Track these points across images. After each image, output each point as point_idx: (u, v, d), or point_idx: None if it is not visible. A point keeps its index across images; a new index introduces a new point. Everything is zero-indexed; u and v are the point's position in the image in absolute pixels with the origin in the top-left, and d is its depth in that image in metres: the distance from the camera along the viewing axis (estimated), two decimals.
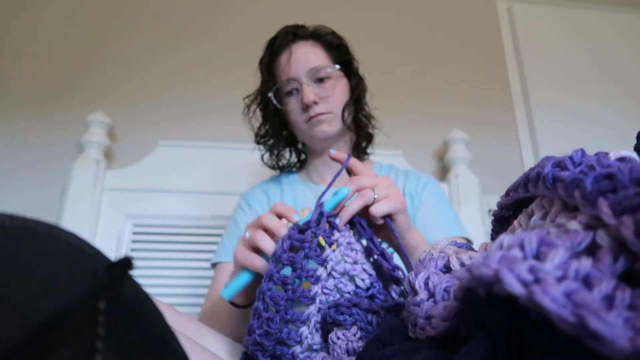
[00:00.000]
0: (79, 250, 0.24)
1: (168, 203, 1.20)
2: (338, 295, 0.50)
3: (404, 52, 1.57)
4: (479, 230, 1.21)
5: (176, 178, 1.24)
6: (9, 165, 1.24)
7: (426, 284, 0.32)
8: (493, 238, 0.37)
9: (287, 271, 0.49)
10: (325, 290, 0.49)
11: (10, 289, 0.21)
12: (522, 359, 0.20)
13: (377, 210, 0.53)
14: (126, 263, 0.24)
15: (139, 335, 0.24)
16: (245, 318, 0.62)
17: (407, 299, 0.33)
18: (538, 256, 0.20)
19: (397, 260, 0.58)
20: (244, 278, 0.53)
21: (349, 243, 0.53)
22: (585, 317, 0.16)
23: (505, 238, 0.22)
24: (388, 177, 0.58)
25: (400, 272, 0.52)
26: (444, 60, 1.58)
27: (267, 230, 0.53)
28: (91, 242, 0.25)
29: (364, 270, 0.51)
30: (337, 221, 0.53)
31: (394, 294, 0.51)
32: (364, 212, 0.55)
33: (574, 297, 0.17)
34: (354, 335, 0.41)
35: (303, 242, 0.50)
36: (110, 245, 1.13)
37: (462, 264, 0.33)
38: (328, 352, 0.43)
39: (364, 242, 0.54)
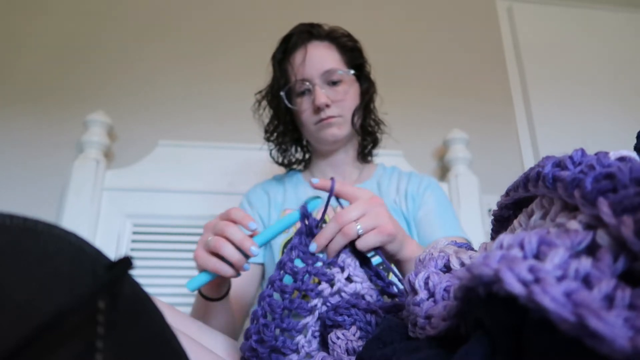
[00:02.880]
0: (78, 250, 0.24)
1: (168, 203, 1.20)
2: None
3: (404, 52, 1.57)
4: (479, 230, 1.21)
5: (176, 178, 1.24)
6: (9, 164, 1.24)
7: (426, 283, 0.32)
8: (493, 238, 0.37)
9: (288, 280, 0.50)
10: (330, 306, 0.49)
11: (10, 288, 0.21)
12: (521, 359, 0.20)
13: (362, 246, 0.53)
14: (126, 262, 0.24)
15: (138, 334, 0.24)
16: (217, 312, 0.66)
17: (407, 298, 0.33)
18: (538, 256, 0.20)
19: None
20: (205, 277, 0.55)
21: (355, 264, 0.53)
22: (585, 316, 0.16)
23: (505, 238, 0.22)
24: (375, 197, 0.56)
25: (394, 288, 0.53)
26: (443, 60, 1.58)
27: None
28: (91, 241, 0.25)
29: (371, 287, 0.51)
30: (313, 248, 0.53)
31: None
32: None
33: (573, 297, 0.17)
34: (354, 335, 0.41)
35: (308, 260, 0.50)
36: (110, 245, 1.13)
37: (462, 264, 0.33)
38: (328, 352, 0.43)
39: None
